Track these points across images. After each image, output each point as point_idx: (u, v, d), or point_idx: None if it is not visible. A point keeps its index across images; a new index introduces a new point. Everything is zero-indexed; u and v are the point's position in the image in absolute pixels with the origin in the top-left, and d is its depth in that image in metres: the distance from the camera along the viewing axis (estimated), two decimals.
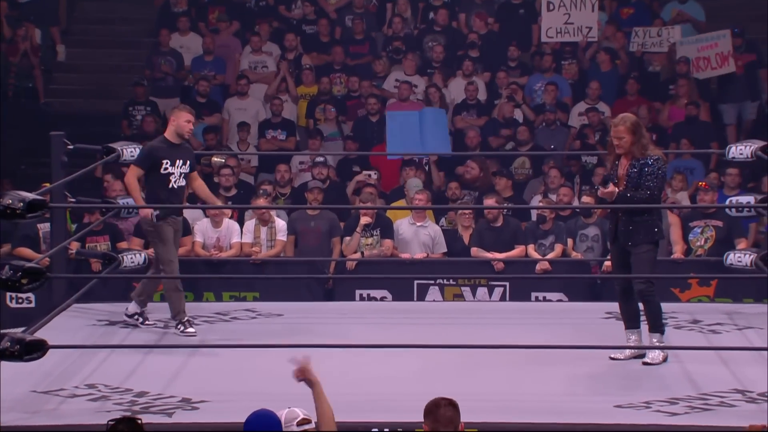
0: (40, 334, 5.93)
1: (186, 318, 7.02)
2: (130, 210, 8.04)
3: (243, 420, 4.22)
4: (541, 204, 9.53)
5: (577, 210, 9.29)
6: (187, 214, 9.42)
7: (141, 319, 7.22)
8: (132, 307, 7.25)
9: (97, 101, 12.31)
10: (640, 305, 6.44)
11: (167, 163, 6.97)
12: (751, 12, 12.29)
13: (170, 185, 6.98)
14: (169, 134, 7.06)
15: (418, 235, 9.29)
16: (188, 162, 7.06)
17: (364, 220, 9.06)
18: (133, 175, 7.04)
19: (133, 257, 7.89)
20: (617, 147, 6.32)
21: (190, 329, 7.00)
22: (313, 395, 4.30)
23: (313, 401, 4.28)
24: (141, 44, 12.71)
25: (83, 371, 6.24)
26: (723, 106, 11.41)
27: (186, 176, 7.07)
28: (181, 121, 6.97)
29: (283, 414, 4.19)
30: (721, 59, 11.31)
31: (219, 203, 7.60)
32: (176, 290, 7.04)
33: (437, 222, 9.82)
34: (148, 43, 12.54)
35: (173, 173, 6.99)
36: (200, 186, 7.31)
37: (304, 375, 4.39)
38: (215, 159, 10.66)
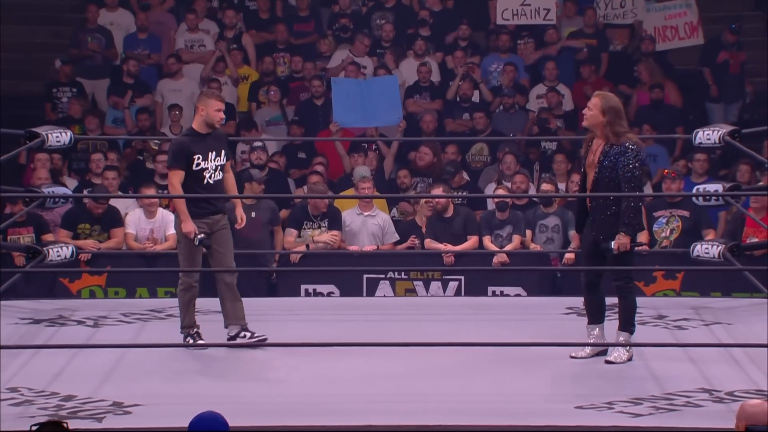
0: None
1: (195, 331, 6.71)
2: (56, 200, 7.96)
3: (178, 425, 4.21)
4: (499, 192, 9.53)
5: (536, 199, 9.34)
6: (119, 203, 9.38)
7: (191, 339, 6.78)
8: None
9: (20, 82, 12.15)
10: (607, 300, 6.50)
11: (199, 157, 6.56)
12: None
13: (205, 181, 6.57)
14: (197, 125, 6.64)
15: (366, 225, 9.30)
16: (222, 152, 6.64)
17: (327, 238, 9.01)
18: (176, 180, 6.57)
19: (60, 250, 7.82)
20: (585, 117, 6.35)
21: (201, 341, 6.68)
22: None
23: None
24: (66, 20, 12.57)
25: (4, 374, 6.16)
26: (713, 107, 11.31)
27: (222, 168, 6.65)
28: (211, 110, 6.61)
29: None
30: (690, 29, 11.37)
31: (238, 202, 7.12)
32: (187, 301, 6.69)
33: (389, 212, 9.83)
34: (73, 19, 12.40)
35: (207, 168, 6.58)
36: (228, 180, 6.77)
37: None
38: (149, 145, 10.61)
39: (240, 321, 6.71)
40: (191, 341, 6.68)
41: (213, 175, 6.64)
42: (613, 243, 6.25)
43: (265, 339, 6.65)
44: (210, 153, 6.63)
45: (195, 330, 6.72)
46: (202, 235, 6.59)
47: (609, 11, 11.80)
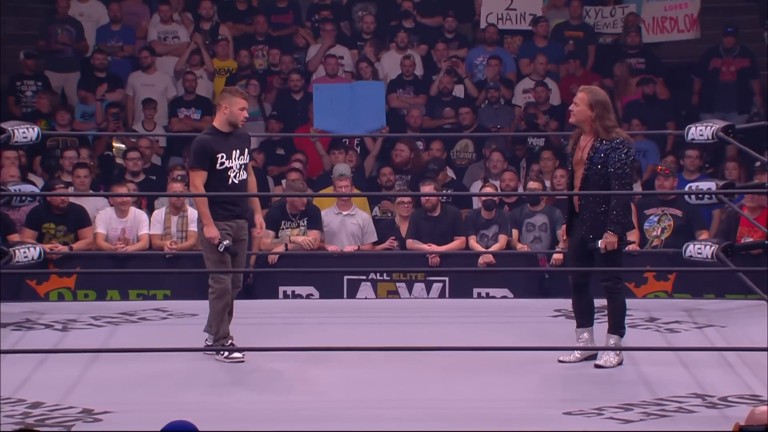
0: None
1: (230, 342, 6.58)
2: (23, 198, 7.90)
3: None
4: (487, 191, 9.51)
5: (523, 197, 9.34)
6: (86, 201, 9.33)
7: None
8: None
9: None
10: (596, 301, 6.49)
11: (223, 156, 6.48)
12: None
13: (230, 181, 6.49)
14: (219, 123, 6.56)
15: (345, 224, 9.28)
16: (245, 150, 6.59)
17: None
18: (199, 181, 6.46)
19: (27, 251, 7.77)
20: (570, 113, 6.36)
21: (236, 354, 6.51)
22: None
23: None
24: (34, 11, 12.50)
25: None
26: (706, 116, 11.03)
27: (246, 168, 6.58)
28: (236, 109, 6.53)
29: None
30: (690, 22, 11.35)
31: (258, 207, 6.94)
32: (221, 310, 6.55)
33: (371, 210, 9.81)
34: (42, 9, 12.34)
35: (231, 167, 6.50)
36: (250, 182, 6.68)
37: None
38: (116, 145, 10.55)
39: (221, 338, 6.62)
40: (227, 354, 6.52)
41: (238, 174, 6.56)
42: (599, 242, 6.25)
43: (243, 361, 6.53)
44: (234, 151, 6.55)
45: (230, 342, 6.59)
46: (227, 241, 6.50)
47: (599, 20, 11.82)
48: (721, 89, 11.23)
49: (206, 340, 6.69)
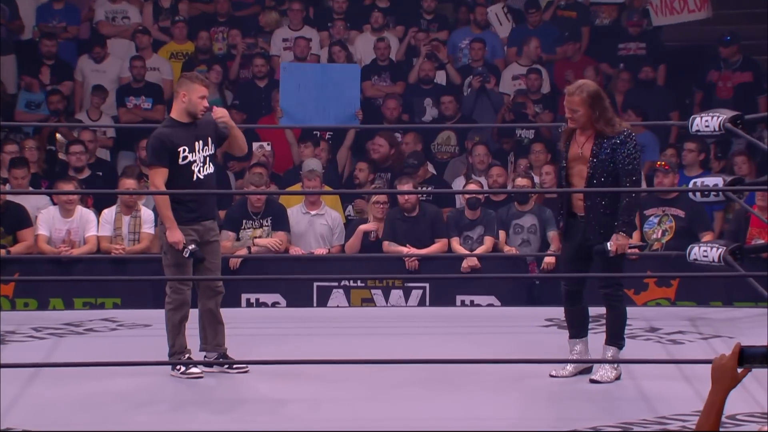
0: None
1: (187, 356, 6.56)
2: None
3: None
4: (471, 188, 9.50)
5: (512, 195, 9.34)
6: (26, 200, 9.29)
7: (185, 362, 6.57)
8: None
9: None
10: (593, 310, 6.50)
11: (184, 149, 6.43)
12: None
13: (195, 177, 6.45)
14: (177, 113, 6.52)
15: (313, 225, 9.27)
16: (209, 140, 6.53)
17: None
18: (160, 180, 6.41)
19: None
20: (570, 120, 6.35)
21: (194, 369, 6.51)
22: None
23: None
24: None
25: None
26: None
27: (213, 159, 6.55)
28: (195, 97, 6.47)
29: None
30: (701, 1, 11.40)
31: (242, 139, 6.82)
32: (178, 322, 6.53)
33: (344, 210, 9.80)
34: None
35: (195, 160, 6.45)
36: (235, 138, 6.65)
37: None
38: (59, 137, 10.49)
39: (220, 347, 6.66)
40: (183, 368, 6.51)
41: (203, 168, 6.52)
42: (609, 244, 6.24)
43: (247, 370, 6.58)
44: (197, 143, 6.51)
45: (188, 355, 6.59)
46: (193, 245, 6.45)
47: None
48: (716, 106, 11.02)
49: (205, 358, 6.64)
